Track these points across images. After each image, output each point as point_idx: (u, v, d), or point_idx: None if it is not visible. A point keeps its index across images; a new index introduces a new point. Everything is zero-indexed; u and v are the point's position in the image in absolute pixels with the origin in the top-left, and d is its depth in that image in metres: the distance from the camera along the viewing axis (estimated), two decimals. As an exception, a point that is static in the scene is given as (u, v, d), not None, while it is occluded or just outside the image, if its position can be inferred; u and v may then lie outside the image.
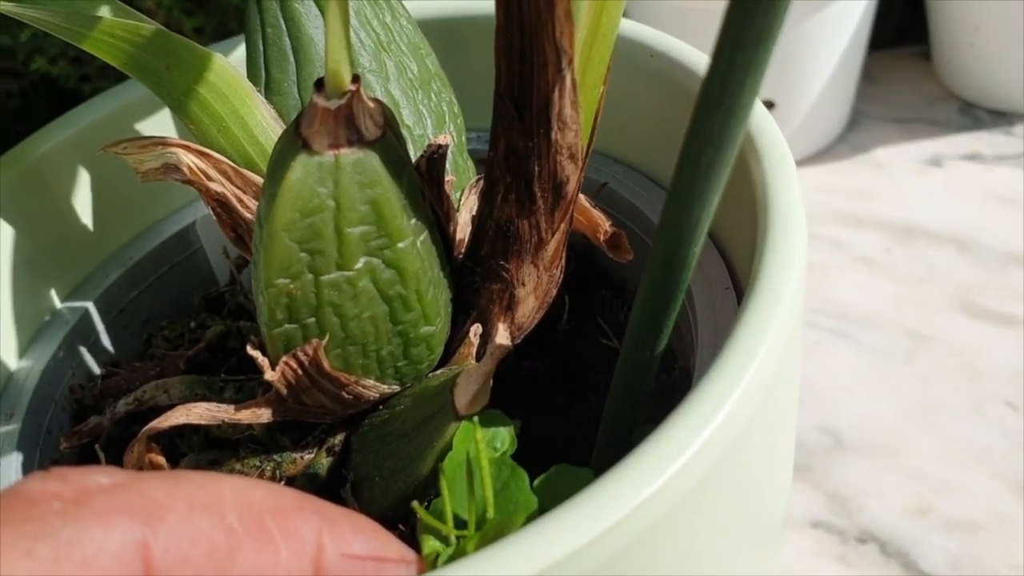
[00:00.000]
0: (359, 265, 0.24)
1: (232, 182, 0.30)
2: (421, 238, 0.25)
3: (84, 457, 0.32)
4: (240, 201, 0.30)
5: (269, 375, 0.25)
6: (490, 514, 0.22)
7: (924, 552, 0.48)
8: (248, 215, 0.30)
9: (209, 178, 0.30)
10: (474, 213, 0.31)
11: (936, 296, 0.62)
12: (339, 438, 0.29)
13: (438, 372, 0.28)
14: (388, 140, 0.24)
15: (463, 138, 0.33)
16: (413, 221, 0.25)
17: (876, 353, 0.59)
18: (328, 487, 0.28)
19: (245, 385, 0.31)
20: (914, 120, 0.76)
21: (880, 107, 0.78)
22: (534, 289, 0.29)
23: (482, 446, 0.21)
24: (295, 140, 0.23)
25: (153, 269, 0.36)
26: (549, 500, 0.23)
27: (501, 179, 0.25)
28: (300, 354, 0.25)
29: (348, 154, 0.23)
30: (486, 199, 0.27)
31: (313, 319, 0.25)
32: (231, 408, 0.26)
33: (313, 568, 0.19)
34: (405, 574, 0.20)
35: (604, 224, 0.30)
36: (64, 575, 0.16)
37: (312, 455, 0.28)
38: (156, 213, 0.37)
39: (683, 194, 0.20)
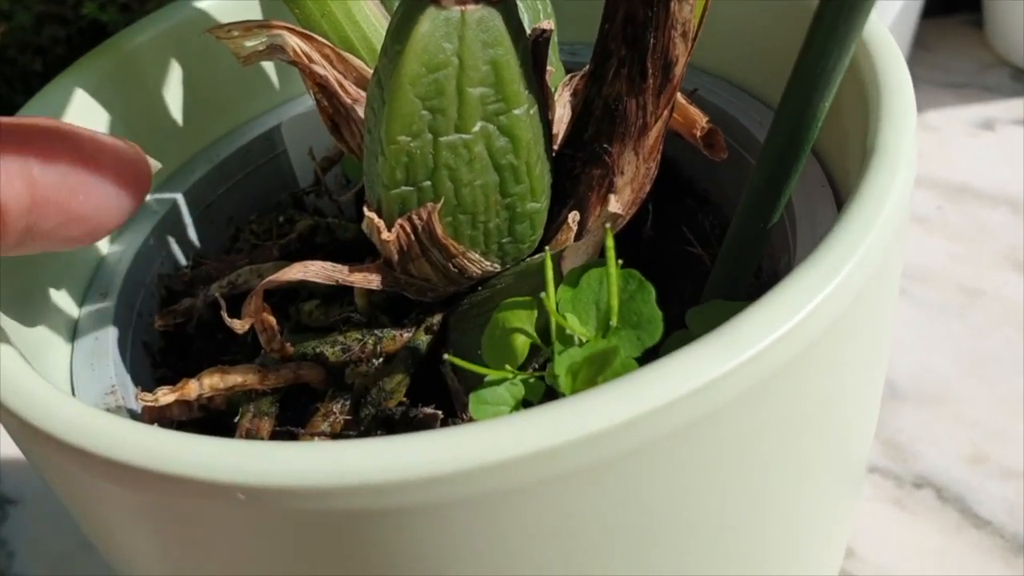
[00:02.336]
0: (476, 128, 0.24)
1: (334, 66, 0.30)
2: (532, 110, 0.25)
3: (172, 340, 0.33)
4: (341, 86, 0.30)
5: (385, 235, 0.25)
6: (613, 322, 0.22)
7: (981, 498, 0.48)
8: (348, 100, 0.30)
9: (312, 61, 0.30)
10: (570, 105, 0.31)
11: (988, 254, 0.62)
12: (437, 318, 0.29)
13: (536, 256, 0.28)
14: (510, 3, 0.24)
15: (554, 39, 0.33)
16: (527, 92, 0.25)
17: (930, 307, 0.59)
18: (427, 364, 0.28)
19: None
20: (966, 85, 0.76)
21: (933, 72, 0.77)
22: (631, 180, 0.29)
23: (611, 253, 0.21)
24: (423, -4, 0.23)
25: (240, 167, 0.36)
26: (700, 329, 0.23)
27: (616, 51, 0.26)
28: (415, 217, 0.25)
29: (473, 11, 0.23)
30: (594, 78, 0.27)
31: (429, 182, 0.25)
32: (345, 269, 0.26)
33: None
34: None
35: (701, 120, 0.30)
36: None
37: (411, 333, 0.29)
38: (242, 115, 0.37)
39: (820, 37, 0.21)
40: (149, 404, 0.25)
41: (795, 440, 0.21)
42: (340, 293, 0.31)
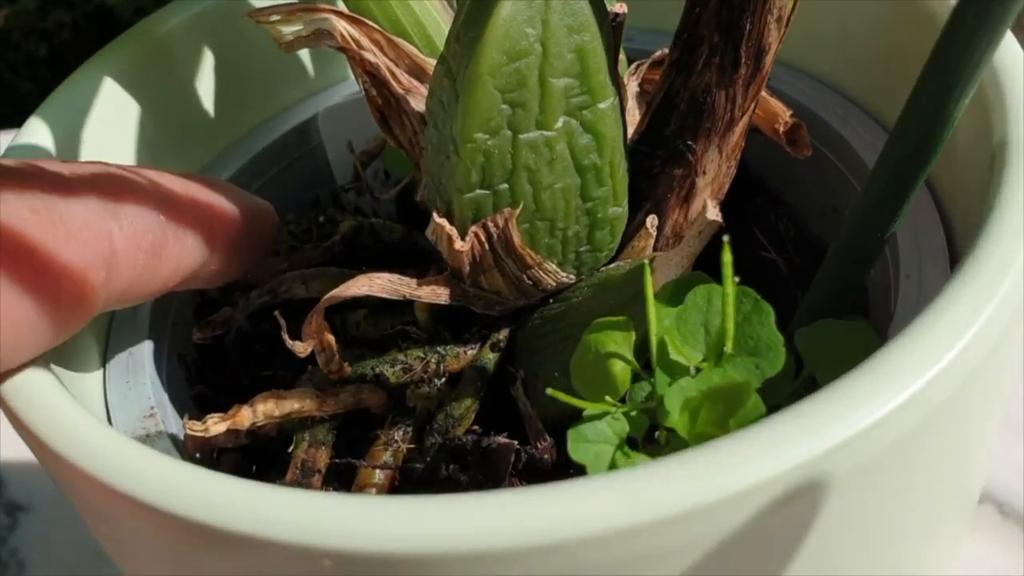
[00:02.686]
0: (559, 124, 0.22)
1: (385, 53, 0.27)
2: (616, 103, 0.23)
3: (207, 352, 0.30)
4: (392, 74, 0.27)
5: (458, 245, 0.23)
6: (728, 348, 0.19)
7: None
8: (399, 90, 0.27)
9: (361, 47, 0.27)
10: (637, 97, 0.28)
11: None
12: (503, 334, 0.26)
13: (612, 265, 0.26)
14: (596, -15, 0.21)
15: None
16: (612, 83, 0.22)
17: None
18: (495, 384, 0.26)
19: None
20: None
21: None
22: (712, 180, 0.27)
23: (728, 269, 0.19)
24: (504, -25, 0.20)
25: (273, 163, 0.34)
26: (818, 355, 0.20)
27: (707, 38, 0.23)
28: (491, 224, 0.23)
29: (559, -7, 0.21)
30: (678, 67, 0.24)
31: (506, 185, 0.22)
32: (413, 282, 0.24)
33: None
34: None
35: (784, 114, 0.27)
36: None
37: (475, 350, 0.26)
38: (275, 104, 0.35)
39: (968, 25, 0.18)
40: (199, 435, 0.23)
41: (936, 476, 0.19)
42: (391, 302, 0.28)
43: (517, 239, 0.23)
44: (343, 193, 0.33)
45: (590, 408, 0.20)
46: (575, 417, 0.26)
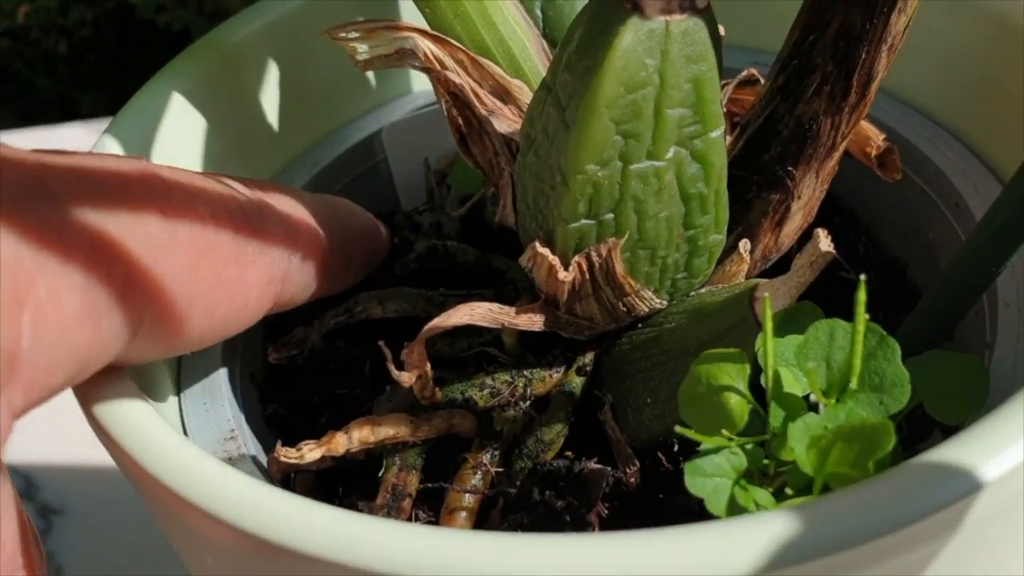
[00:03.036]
0: (669, 155, 0.21)
1: (468, 73, 0.27)
2: (724, 130, 0.23)
3: (277, 370, 0.30)
4: (476, 95, 0.27)
5: (562, 275, 0.22)
6: (852, 384, 0.19)
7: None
8: (483, 111, 0.27)
9: (445, 67, 0.27)
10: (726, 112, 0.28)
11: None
12: (589, 357, 0.26)
13: (704, 290, 0.26)
14: (711, 12, 0.21)
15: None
16: (721, 112, 0.22)
17: None
18: (581, 409, 0.25)
19: (465, 301, 0.28)
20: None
21: None
22: (805, 205, 0.26)
23: (861, 308, 0.19)
24: (622, 2, 0.20)
25: (338, 178, 0.33)
26: (925, 387, 0.20)
27: (820, 67, 0.23)
28: (593, 254, 0.22)
29: (679, 22, 0.20)
30: (784, 94, 0.24)
31: (611, 215, 0.22)
32: (511, 311, 0.23)
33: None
34: None
35: (877, 138, 0.27)
36: None
37: (560, 374, 0.26)
38: (339, 117, 0.34)
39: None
40: (293, 462, 0.23)
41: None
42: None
43: (620, 269, 0.23)
44: (416, 215, 0.33)
45: (708, 442, 0.20)
46: (664, 443, 0.26)
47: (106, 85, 0.81)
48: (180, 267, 0.20)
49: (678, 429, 0.20)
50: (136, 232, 0.19)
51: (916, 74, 0.31)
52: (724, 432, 0.20)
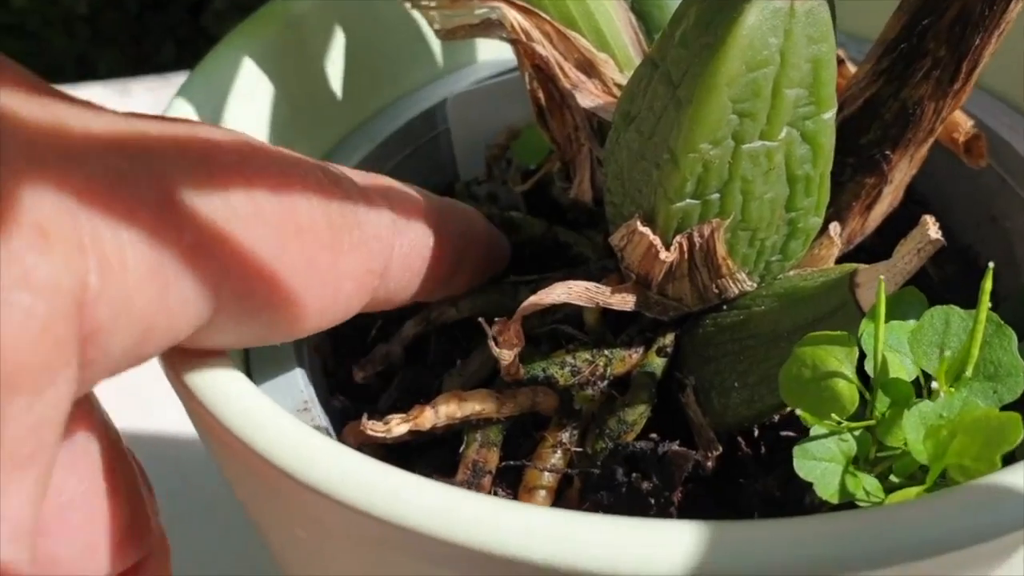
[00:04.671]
0: (782, 135, 0.21)
1: (554, 45, 0.27)
2: (835, 112, 0.22)
3: (337, 340, 0.29)
4: (561, 68, 0.26)
5: (664, 255, 0.22)
6: (967, 373, 0.19)
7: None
8: (566, 85, 0.27)
9: (531, 39, 0.26)
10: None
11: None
12: (669, 338, 0.26)
13: (794, 274, 0.25)
14: (831, -10, 0.21)
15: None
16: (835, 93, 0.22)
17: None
18: (662, 390, 0.25)
19: (540, 285, 0.27)
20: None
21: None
22: (895, 189, 0.26)
23: (986, 296, 0.18)
24: (747, -20, 0.19)
25: (400, 148, 0.33)
26: None
27: (932, 52, 0.22)
28: (695, 234, 0.22)
29: (803, 1, 0.20)
30: (889, 77, 0.23)
31: (717, 195, 0.22)
32: (607, 290, 0.23)
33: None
34: None
35: (965, 124, 0.27)
36: None
37: (640, 354, 0.26)
38: (401, 88, 0.34)
39: None
40: (380, 435, 0.22)
41: None
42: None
43: (721, 250, 0.22)
44: (475, 186, 0.32)
45: (818, 427, 0.20)
46: (744, 429, 0.26)
47: (125, 45, 0.80)
48: (264, 244, 0.19)
49: (799, 412, 0.19)
50: (215, 200, 0.18)
51: (998, 60, 0.30)
52: (834, 417, 0.20)
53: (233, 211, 0.18)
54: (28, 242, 0.14)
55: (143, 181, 0.17)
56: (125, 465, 0.20)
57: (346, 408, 0.28)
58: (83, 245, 0.15)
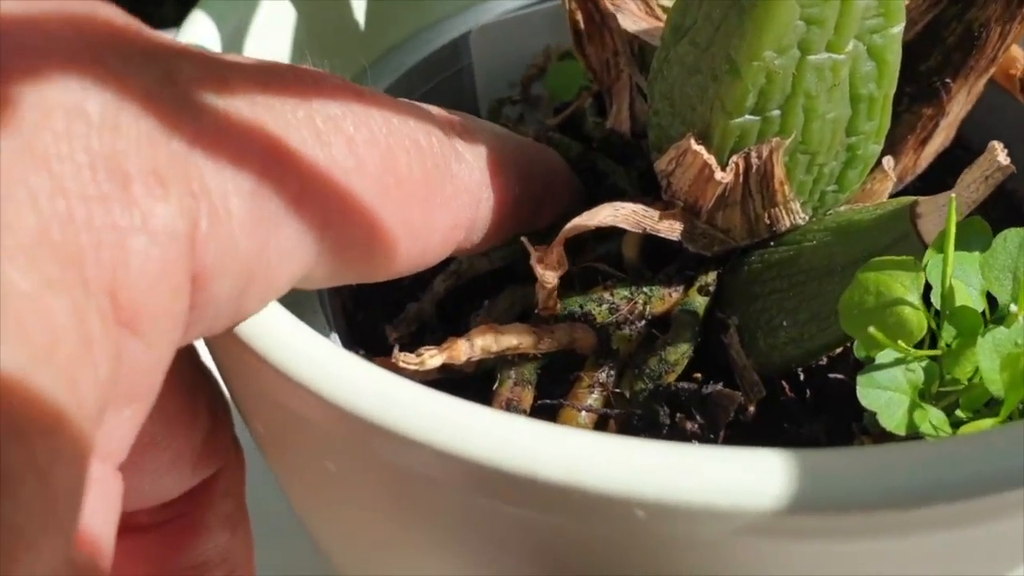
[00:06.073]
0: (848, 48, 0.20)
1: (596, -36, 0.25)
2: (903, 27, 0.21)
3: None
4: (604, -15, 0.25)
5: (719, 175, 0.21)
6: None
7: None
8: (608, 6, 0.25)
9: (572, -44, 0.25)
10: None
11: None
12: (711, 276, 0.24)
13: (846, 208, 0.24)
14: None
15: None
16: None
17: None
18: (704, 330, 0.24)
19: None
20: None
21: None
22: (950, 124, 0.25)
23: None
24: None
25: (424, 80, 0.31)
26: None
27: (1005, -34, 0.21)
28: (753, 154, 0.21)
29: (879, -102, 0.18)
30: (954, -2, 0.22)
31: (778, 112, 0.20)
32: (655, 215, 0.22)
33: None
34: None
35: (1022, 59, 0.26)
36: None
37: (680, 293, 0.24)
38: (426, 17, 0.32)
39: None
40: (413, 367, 0.21)
41: None
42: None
43: (780, 173, 0.21)
44: (509, 105, 0.31)
45: (884, 354, 0.19)
46: (789, 371, 0.25)
47: (124, 1, 0.78)
48: (365, 196, 0.18)
49: (871, 331, 0.18)
50: (319, 150, 0.18)
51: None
52: (901, 344, 0.19)
53: (336, 162, 0.18)
54: (146, 188, 0.15)
55: (250, 131, 0.17)
56: (206, 380, 0.21)
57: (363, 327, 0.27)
58: (194, 191, 0.15)
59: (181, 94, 0.16)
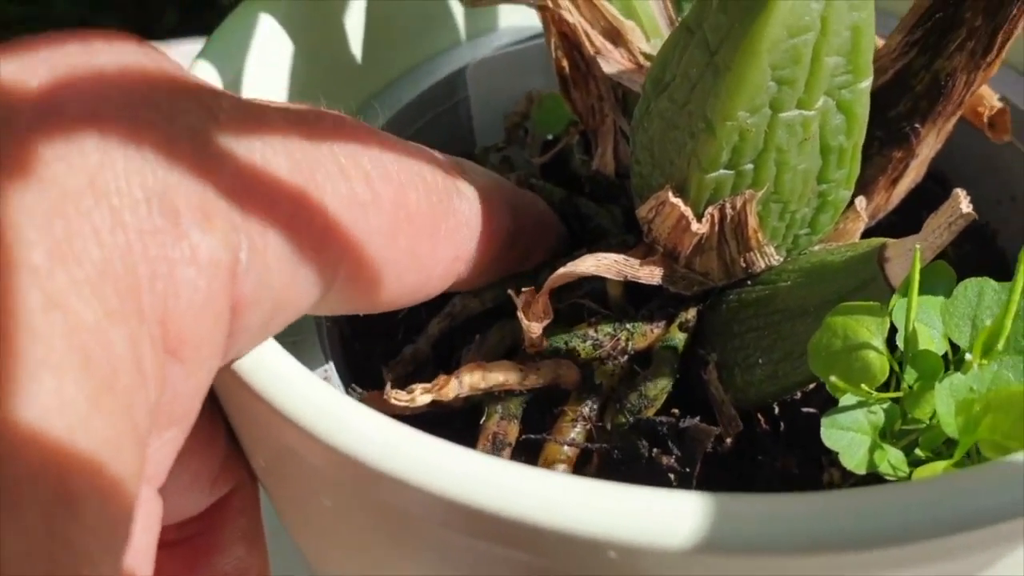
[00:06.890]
0: (818, 104, 0.21)
1: (581, 12, 0.26)
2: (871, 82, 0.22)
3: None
4: (587, 35, 0.26)
5: (695, 227, 0.22)
6: (999, 346, 0.19)
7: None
8: (592, 52, 0.26)
9: (559, 5, 0.26)
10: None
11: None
12: (692, 313, 0.25)
13: (817, 248, 0.25)
14: (873, -42, 0.20)
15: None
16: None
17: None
18: (681, 368, 0.25)
19: (559, 264, 0.27)
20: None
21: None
22: (920, 163, 0.26)
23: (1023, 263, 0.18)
24: (789, -56, 0.19)
25: (420, 115, 0.32)
26: None
27: (969, 22, 0.22)
28: (727, 206, 0.22)
29: (845, -34, 0.19)
30: (922, 48, 0.23)
31: (751, 166, 0.21)
32: (636, 263, 0.23)
33: None
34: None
35: (991, 98, 0.27)
36: None
37: (661, 329, 0.25)
38: (421, 53, 0.33)
39: None
40: (403, 404, 0.22)
41: None
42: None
43: (753, 222, 0.22)
44: (494, 152, 0.32)
45: (846, 396, 0.20)
46: (764, 406, 0.26)
47: (127, 10, 0.79)
48: (379, 230, 0.20)
49: (832, 379, 0.19)
50: (341, 188, 0.19)
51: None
52: (863, 387, 0.20)
53: (356, 200, 0.19)
54: (194, 221, 0.16)
55: (284, 166, 0.18)
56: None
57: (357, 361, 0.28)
58: (236, 224, 0.17)
59: (222, 132, 0.17)
